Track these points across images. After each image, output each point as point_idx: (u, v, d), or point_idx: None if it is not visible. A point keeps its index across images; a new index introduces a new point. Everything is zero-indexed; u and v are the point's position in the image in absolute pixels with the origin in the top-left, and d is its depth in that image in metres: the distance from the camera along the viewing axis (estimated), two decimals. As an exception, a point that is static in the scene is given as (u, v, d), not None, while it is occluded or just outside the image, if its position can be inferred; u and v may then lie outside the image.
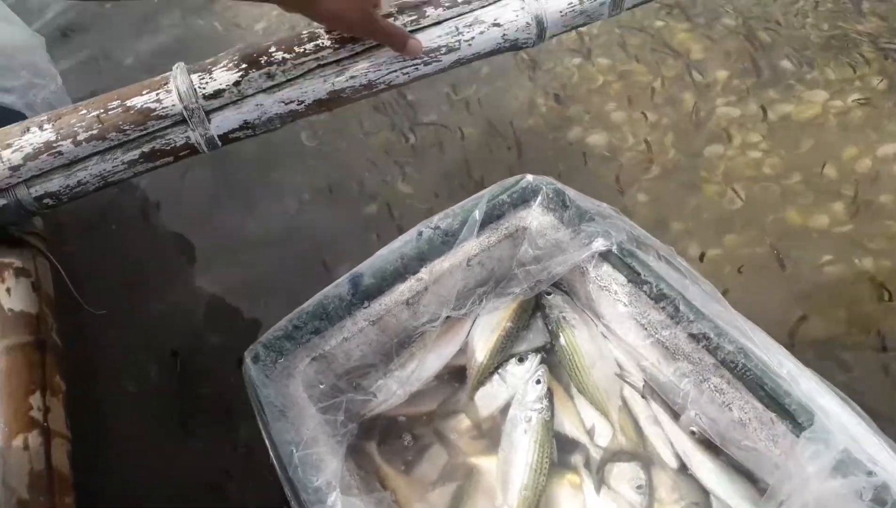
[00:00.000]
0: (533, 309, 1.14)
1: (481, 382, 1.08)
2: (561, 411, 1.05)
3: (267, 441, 0.90)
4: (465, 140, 1.74)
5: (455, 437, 1.05)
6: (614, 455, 0.99)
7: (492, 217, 1.08)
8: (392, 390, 1.04)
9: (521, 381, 1.05)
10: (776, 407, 0.85)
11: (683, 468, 0.95)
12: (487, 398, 1.06)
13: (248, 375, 0.98)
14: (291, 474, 0.83)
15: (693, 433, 0.94)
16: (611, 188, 1.57)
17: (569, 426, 1.04)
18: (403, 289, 1.06)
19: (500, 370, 1.08)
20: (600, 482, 0.97)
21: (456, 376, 1.10)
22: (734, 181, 1.55)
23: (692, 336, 0.93)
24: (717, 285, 0.96)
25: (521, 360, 1.07)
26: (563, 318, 1.10)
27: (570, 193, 1.08)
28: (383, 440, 1.04)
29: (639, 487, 0.94)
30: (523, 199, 1.09)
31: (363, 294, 1.03)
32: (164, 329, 1.46)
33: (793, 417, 0.83)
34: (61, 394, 1.00)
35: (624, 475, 0.97)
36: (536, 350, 1.11)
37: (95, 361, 1.39)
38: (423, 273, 1.06)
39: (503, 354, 1.09)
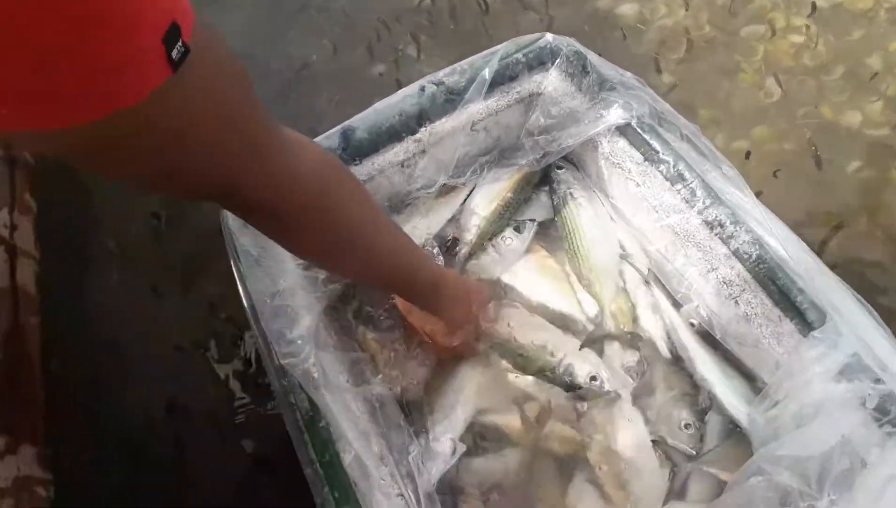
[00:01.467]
0: (538, 183, 1.07)
1: (474, 253, 1.02)
2: (556, 289, 1.00)
3: (241, 292, 0.86)
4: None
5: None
6: (600, 338, 0.95)
7: (503, 78, 0.99)
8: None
9: (517, 253, 0.99)
10: (786, 304, 0.80)
11: (677, 361, 0.91)
12: (479, 271, 1.01)
13: (225, 223, 0.92)
14: (264, 324, 0.80)
15: (692, 324, 0.90)
16: (637, 64, 1.46)
17: (564, 303, 0.99)
18: (399, 150, 0.98)
19: (494, 241, 1.02)
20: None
21: (445, 248, 1.04)
22: (772, 70, 1.43)
23: (706, 223, 0.87)
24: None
25: (517, 229, 1.01)
26: (571, 194, 1.03)
27: (593, 57, 0.98)
28: (364, 305, 1.00)
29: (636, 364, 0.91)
30: (540, 60, 1.00)
31: (355, 150, 0.96)
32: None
33: (802, 315, 0.78)
34: (32, 215, 0.95)
35: (617, 355, 0.93)
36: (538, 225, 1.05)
37: (82, 212, 1.35)
38: (423, 134, 0.98)
39: (499, 224, 1.03)
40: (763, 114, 1.39)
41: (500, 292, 1.01)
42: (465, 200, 1.05)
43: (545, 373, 0.91)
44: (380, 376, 0.92)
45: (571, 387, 0.89)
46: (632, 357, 0.91)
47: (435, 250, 1.03)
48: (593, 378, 0.89)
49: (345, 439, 0.77)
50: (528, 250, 1.04)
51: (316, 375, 0.78)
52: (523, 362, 0.92)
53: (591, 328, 0.96)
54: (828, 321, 0.75)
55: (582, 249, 1.00)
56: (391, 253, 0.74)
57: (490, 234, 1.03)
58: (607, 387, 0.88)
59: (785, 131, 1.36)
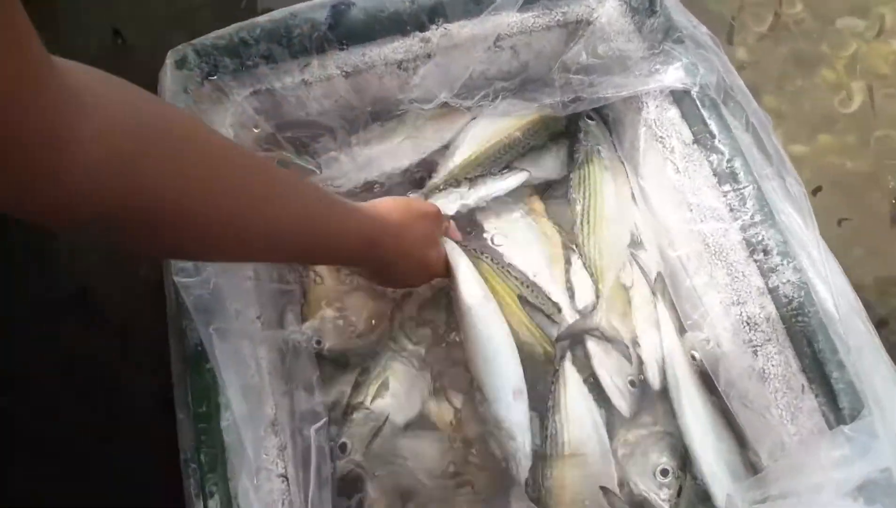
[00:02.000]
0: (556, 135, 0.88)
1: (444, 185, 0.83)
2: (547, 259, 0.83)
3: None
4: None
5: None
6: (588, 331, 0.78)
7: (549, -10, 0.78)
8: (343, 169, 0.80)
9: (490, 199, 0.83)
10: (817, 375, 0.63)
11: (664, 393, 0.75)
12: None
13: (163, 83, 0.74)
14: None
15: (694, 358, 0.72)
16: (709, 24, 1.23)
17: (551, 280, 0.82)
18: (399, 46, 0.78)
19: (473, 181, 0.83)
20: (563, 351, 0.77)
21: (422, 179, 0.85)
22: (860, 74, 1.22)
23: (748, 243, 0.69)
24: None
25: (502, 172, 0.84)
26: (598, 152, 0.84)
27: (667, -5, 0.77)
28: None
29: (631, 383, 0.74)
30: (601, -19, 0.79)
31: (345, 31, 0.76)
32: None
33: (833, 396, 0.61)
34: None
35: (610, 361, 0.76)
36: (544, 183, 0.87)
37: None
38: (433, 34, 0.78)
39: (491, 166, 0.84)
40: (832, 122, 1.18)
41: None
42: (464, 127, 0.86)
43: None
44: (309, 322, 0.75)
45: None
46: (628, 370, 0.75)
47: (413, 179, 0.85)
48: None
49: (233, 392, 0.61)
50: (526, 210, 0.85)
51: (211, 306, 0.61)
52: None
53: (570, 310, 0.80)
54: (864, 414, 0.59)
55: (594, 217, 0.82)
56: (294, 221, 0.54)
57: (470, 174, 0.84)
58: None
59: (852, 148, 1.16)
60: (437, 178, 0.83)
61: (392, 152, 0.82)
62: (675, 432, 0.73)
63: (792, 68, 1.23)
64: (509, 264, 0.81)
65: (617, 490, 0.69)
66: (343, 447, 0.71)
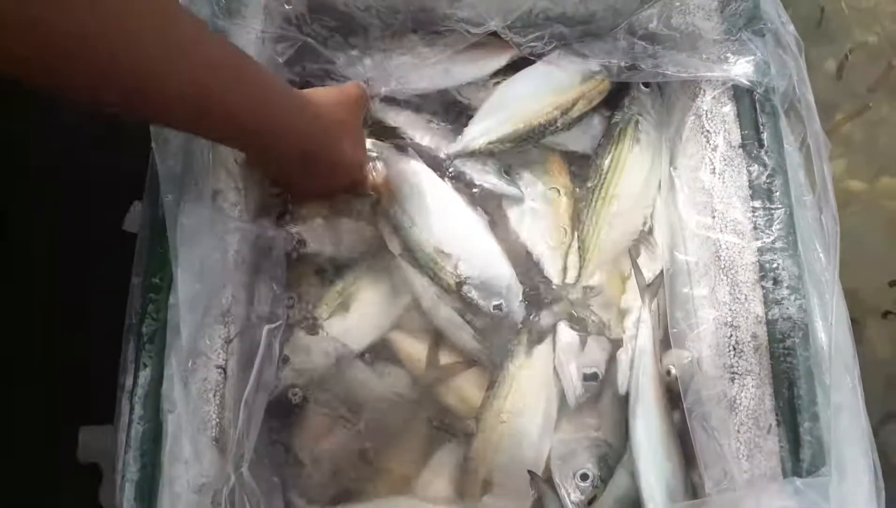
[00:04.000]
0: (599, 102, 0.83)
1: (466, 154, 0.80)
2: (546, 226, 0.81)
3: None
4: None
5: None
6: (564, 313, 0.77)
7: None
8: (362, 74, 0.77)
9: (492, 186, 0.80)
10: (787, 420, 0.61)
11: (624, 401, 0.73)
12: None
13: None
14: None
15: (668, 373, 0.71)
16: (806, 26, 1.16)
17: (545, 246, 0.80)
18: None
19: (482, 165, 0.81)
20: (538, 335, 0.76)
21: (444, 110, 0.82)
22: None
23: (760, 267, 0.66)
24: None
25: (507, 172, 0.80)
26: (637, 123, 0.80)
27: (763, -19, 0.72)
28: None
29: (587, 376, 0.73)
30: (697, -55, 0.73)
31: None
32: None
33: (798, 446, 0.60)
34: None
35: (572, 347, 0.75)
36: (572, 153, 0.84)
37: None
38: (503, -48, 0.74)
39: (523, 144, 0.81)
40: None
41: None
42: (499, 77, 0.82)
43: (431, 277, 0.74)
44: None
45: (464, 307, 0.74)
46: (592, 363, 0.73)
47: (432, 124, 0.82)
48: (497, 307, 0.73)
49: (187, 271, 0.60)
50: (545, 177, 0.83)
51: (186, 181, 0.60)
52: (409, 256, 0.75)
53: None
54: (822, 473, 0.57)
55: (605, 195, 0.79)
56: (215, 67, 0.52)
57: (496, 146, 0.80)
58: (515, 318, 0.74)
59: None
60: (462, 144, 0.80)
61: (419, 71, 0.79)
62: (614, 444, 0.72)
63: (884, 95, 1.16)
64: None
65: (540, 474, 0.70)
66: (285, 359, 0.70)
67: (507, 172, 0.80)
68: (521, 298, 0.76)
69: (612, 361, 0.75)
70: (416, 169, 0.77)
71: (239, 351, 0.65)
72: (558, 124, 0.80)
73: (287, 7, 0.74)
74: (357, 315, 0.73)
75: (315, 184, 0.72)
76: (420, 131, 0.80)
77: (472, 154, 0.79)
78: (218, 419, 0.61)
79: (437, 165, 0.79)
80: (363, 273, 0.76)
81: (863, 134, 1.13)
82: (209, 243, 0.62)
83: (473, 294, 0.74)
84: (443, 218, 0.76)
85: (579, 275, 0.78)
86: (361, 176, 0.74)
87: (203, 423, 0.60)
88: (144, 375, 0.59)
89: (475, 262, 0.75)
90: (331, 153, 0.68)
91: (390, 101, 0.80)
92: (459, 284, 0.74)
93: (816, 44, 1.13)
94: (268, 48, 0.73)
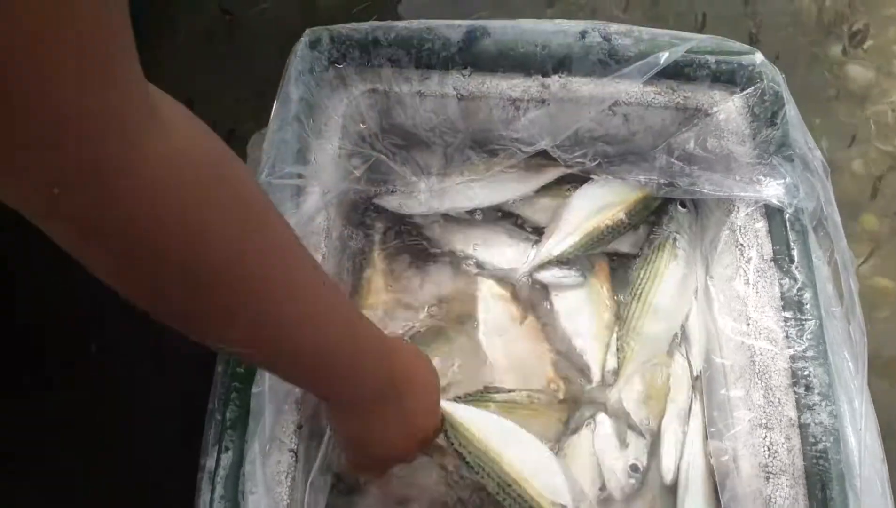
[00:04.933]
0: (649, 213, 0.93)
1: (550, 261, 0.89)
2: (596, 325, 0.88)
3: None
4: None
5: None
6: (595, 402, 0.83)
7: (677, 73, 0.82)
8: (418, 197, 0.88)
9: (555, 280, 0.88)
10: (819, 521, 0.66)
11: (672, 490, 0.78)
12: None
13: (294, 58, 0.81)
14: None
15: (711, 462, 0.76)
16: (836, 134, 1.23)
17: (594, 345, 0.87)
18: (519, 84, 0.84)
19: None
20: (576, 424, 0.82)
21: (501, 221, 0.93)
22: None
23: (793, 374, 0.72)
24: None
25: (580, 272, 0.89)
26: (674, 240, 0.88)
27: (792, 111, 0.80)
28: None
29: (634, 469, 0.78)
30: (731, 78, 0.82)
31: (472, 57, 0.82)
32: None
33: (831, 548, 0.64)
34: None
35: (614, 441, 0.80)
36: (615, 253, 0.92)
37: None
38: (554, 82, 0.84)
39: (592, 248, 0.89)
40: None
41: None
42: (561, 183, 0.92)
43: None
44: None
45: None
46: (633, 456, 0.79)
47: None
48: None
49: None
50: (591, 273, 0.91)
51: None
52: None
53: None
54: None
55: (643, 302, 0.86)
56: (326, 311, 0.51)
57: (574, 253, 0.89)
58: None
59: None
60: (545, 252, 0.89)
61: (472, 191, 0.89)
62: None
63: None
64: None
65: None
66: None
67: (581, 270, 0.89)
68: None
69: (651, 454, 0.80)
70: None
71: (307, 436, 0.72)
72: (623, 227, 0.89)
73: (362, 126, 0.84)
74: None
75: (393, 452, 0.67)
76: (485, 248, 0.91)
77: (547, 265, 0.88)
78: (289, 500, 0.67)
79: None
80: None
81: (890, 230, 1.18)
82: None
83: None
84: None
85: (618, 374, 0.84)
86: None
87: (275, 504, 0.66)
88: (226, 457, 0.65)
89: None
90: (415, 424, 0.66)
91: (450, 219, 0.91)
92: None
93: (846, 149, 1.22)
94: (343, 162, 0.83)
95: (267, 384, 0.66)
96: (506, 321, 0.87)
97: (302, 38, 0.82)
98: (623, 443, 0.80)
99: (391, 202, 0.90)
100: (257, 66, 1.15)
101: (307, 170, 0.78)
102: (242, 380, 0.68)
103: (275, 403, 0.67)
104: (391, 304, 0.88)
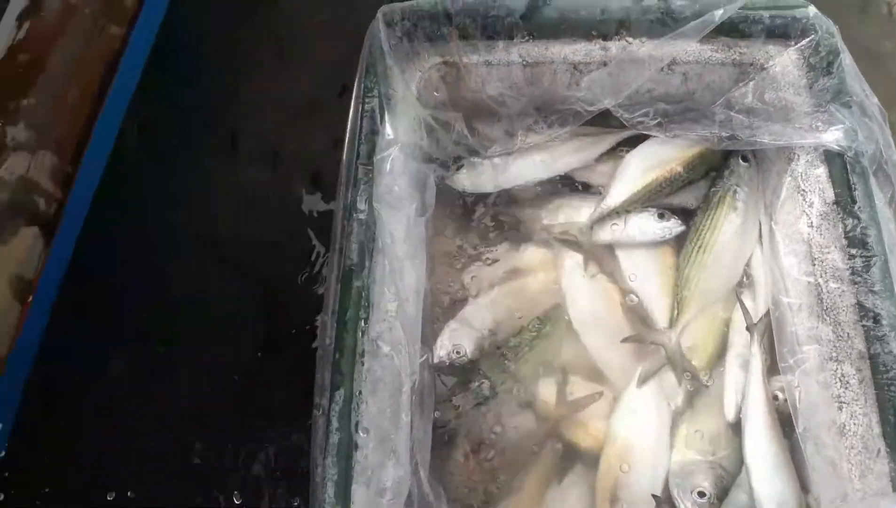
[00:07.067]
0: (709, 168, 0.97)
1: (603, 217, 0.95)
2: (662, 284, 0.93)
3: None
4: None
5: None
6: (655, 341, 0.90)
7: (733, 29, 0.86)
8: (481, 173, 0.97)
9: (648, 237, 0.94)
10: (894, 441, 0.70)
11: (735, 427, 0.83)
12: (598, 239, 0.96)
13: (372, 34, 0.87)
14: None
15: (776, 398, 0.81)
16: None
17: (659, 303, 0.92)
18: (581, 49, 0.89)
19: (629, 217, 0.95)
20: (645, 377, 0.88)
21: (563, 188, 1.00)
22: None
23: (860, 307, 0.76)
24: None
25: (661, 216, 0.93)
26: (734, 192, 0.93)
27: (847, 60, 0.84)
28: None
29: (700, 494, 0.81)
30: (785, 32, 0.86)
31: (536, 24, 0.87)
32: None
33: (906, 467, 0.68)
34: None
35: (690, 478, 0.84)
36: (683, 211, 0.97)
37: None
38: (614, 45, 0.89)
39: (651, 199, 0.95)
40: None
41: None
42: (616, 148, 0.98)
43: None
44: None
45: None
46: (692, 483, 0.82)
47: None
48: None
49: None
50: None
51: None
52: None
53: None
54: (931, 488, 0.66)
55: (704, 251, 0.91)
56: None
57: (632, 204, 0.95)
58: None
59: None
60: (603, 207, 0.95)
61: (530, 166, 0.97)
62: (725, 465, 0.81)
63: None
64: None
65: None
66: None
67: (663, 215, 0.93)
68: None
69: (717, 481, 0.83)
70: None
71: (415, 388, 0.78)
72: (681, 180, 0.95)
73: (436, 94, 0.90)
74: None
75: None
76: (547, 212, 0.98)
77: (609, 215, 0.94)
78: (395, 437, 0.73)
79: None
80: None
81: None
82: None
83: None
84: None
85: (677, 320, 0.90)
86: None
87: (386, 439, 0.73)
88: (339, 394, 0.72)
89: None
90: None
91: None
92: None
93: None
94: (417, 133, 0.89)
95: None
96: (584, 282, 0.94)
97: (377, 16, 0.87)
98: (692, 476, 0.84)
99: (461, 182, 0.98)
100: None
101: (383, 142, 0.84)
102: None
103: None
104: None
